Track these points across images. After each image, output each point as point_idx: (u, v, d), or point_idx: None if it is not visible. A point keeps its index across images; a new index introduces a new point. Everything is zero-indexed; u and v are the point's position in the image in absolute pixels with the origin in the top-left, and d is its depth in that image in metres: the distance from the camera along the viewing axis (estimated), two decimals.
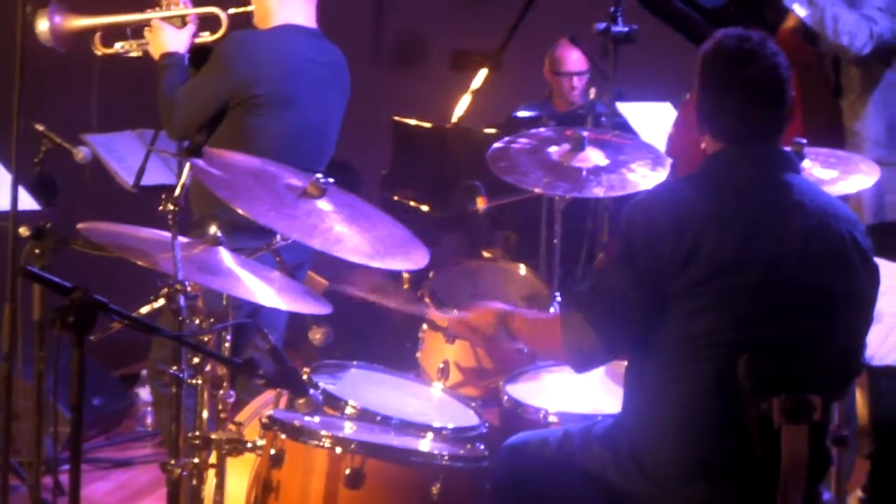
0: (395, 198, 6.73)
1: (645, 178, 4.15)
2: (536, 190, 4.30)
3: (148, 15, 4.88)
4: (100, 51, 4.92)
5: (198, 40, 4.87)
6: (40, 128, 4.88)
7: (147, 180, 5.17)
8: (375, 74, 7.14)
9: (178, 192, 3.52)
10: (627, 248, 3.16)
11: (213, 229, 3.63)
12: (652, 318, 3.14)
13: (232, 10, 4.86)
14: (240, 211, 3.47)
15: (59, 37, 4.87)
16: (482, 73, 6.95)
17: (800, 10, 5.14)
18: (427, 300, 4.17)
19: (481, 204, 5.29)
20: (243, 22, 4.91)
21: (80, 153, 4.95)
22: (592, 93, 5.42)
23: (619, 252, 3.18)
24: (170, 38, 4.81)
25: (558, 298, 4.42)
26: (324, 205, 3.59)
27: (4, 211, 4.36)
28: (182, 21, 4.86)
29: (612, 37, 4.95)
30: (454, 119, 6.88)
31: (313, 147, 4.82)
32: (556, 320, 3.40)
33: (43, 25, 4.85)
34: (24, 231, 4.28)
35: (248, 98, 4.66)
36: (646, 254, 3.12)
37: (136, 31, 4.91)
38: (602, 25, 4.95)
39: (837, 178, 4.22)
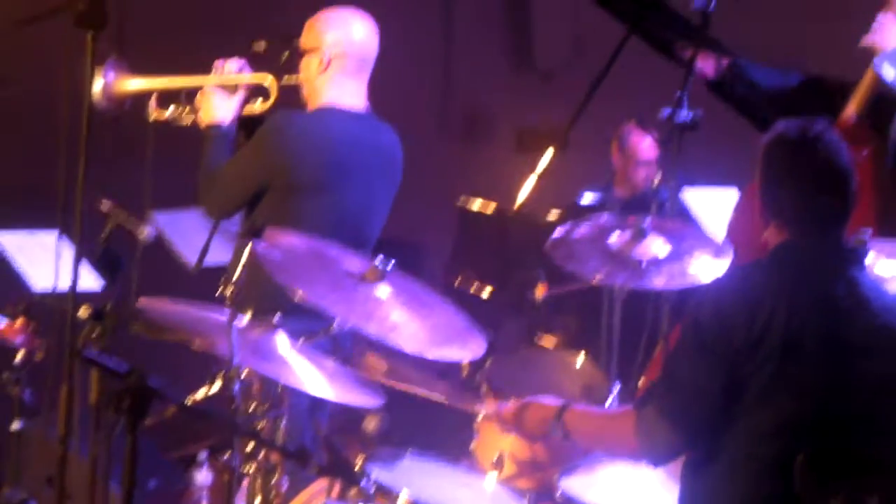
0: (457, 282, 6.68)
1: (706, 268, 4.11)
2: (595, 280, 4.27)
3: (203, 79, 4.76)
4: (153, 114, 4.79)
5: (247, 109, 4.76)
6: (105, 206, 4.84)
7: (210, 260, 5.14)
8: (441, 151, 7.13)
9: (237, 275, 3.51)
10: (699, 336, 3.13)
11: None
12: (726, 406, 3.10)
13: (286, 80, 4.75)
14: (297, 295, 3.45)
15: (111, 97, 4.73)
16: (548, 154, 6.85)
17: (889, 72, 5.04)
18: (485, 389, 4.13)
19: (540, 292, 5.26)
20: (297, 92, 4.82)
21: (145, 231, 4.92)
22: (657, 178, 5.37)
23: (691, 340, 3.15)
24: (217, 107, 4.69)
25: (616, 390, 4.37)
26: (383, 289, 3.57)
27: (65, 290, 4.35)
28: (234, 88, 4.75)
29: (677, 125, 4.91)
30: (518, 201, 6.82)
31: (354, 231, 4.63)
32: (617, 416, 3.34)
33: (97, 85, 4.68)
34: (83, 312, 4.28)
35: (283, 182, 4.58)
36: (719, 341, 3.10)
37: (190, 96, 4.80)
38: (666, 113, 4.90)
39: None
